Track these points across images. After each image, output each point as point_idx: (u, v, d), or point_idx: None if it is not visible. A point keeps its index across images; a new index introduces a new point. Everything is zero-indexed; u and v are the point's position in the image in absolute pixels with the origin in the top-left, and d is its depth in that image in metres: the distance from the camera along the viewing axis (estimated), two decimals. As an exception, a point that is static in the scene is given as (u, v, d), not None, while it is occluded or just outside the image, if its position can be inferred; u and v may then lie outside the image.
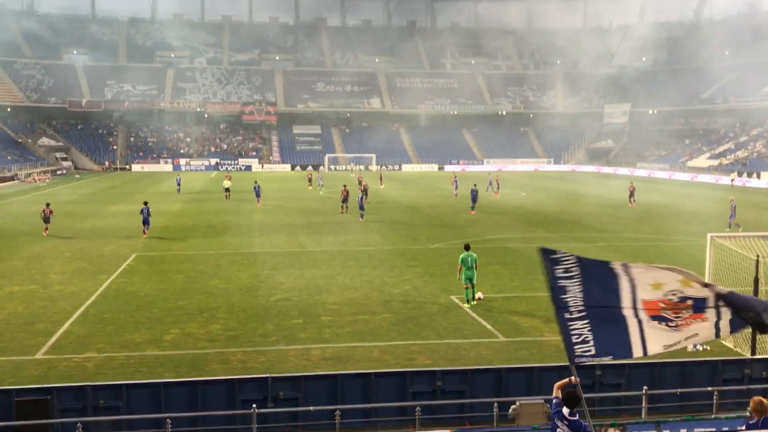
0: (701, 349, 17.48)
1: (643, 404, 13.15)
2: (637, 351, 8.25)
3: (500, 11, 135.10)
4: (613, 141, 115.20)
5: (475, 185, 49.36)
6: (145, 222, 36.47)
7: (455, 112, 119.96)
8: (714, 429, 11.69)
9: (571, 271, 8.27)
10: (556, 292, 8.27)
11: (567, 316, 8.23)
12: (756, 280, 16.68)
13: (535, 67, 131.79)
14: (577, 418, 8.59)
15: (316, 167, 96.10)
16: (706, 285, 8.18)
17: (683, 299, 8.15)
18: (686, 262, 28.61)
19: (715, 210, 48.25)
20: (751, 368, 15.24)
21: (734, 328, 8.25)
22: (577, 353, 8.23)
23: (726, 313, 8.10)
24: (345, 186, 47.87)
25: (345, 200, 45.91)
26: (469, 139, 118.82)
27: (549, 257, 8.34)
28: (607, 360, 8.46)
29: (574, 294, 8.27)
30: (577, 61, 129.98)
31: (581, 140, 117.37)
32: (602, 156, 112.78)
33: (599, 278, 8.28)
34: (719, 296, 8.06)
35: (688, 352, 17.28)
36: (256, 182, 54.62)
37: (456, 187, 58.65)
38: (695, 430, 11.64)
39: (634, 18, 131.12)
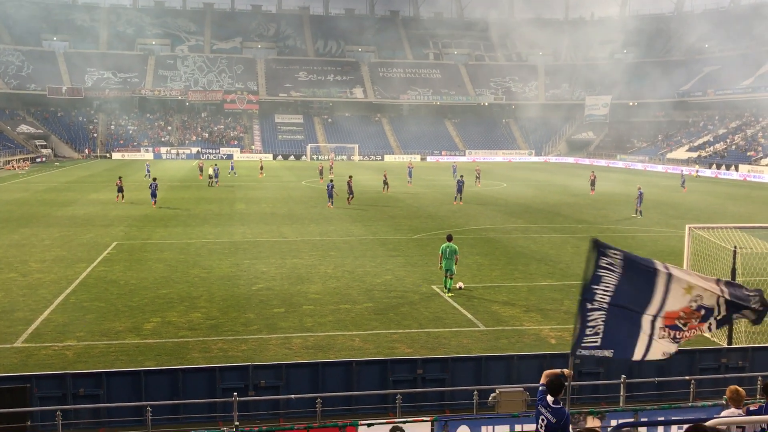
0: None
1: (622, 392, 13.30)
2: (637, 355, 8.81)
3: (483, 2, 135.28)
4: (594, 133, 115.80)
5: (461, 176, 50.35)
6: (153, 195, 42.72)
7: (438, 103, 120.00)
8: (691, 417, 11.84)
9: (614, 266, 8.65)
10: (591, 281, 8.65)
11: (589, 306, 8.65)
12: (733, 271, 16.88)
13: (518, 59, 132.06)
14: (561, 405, 8.68)
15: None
16: (718, 284, 8.76)
17: (699, 308, 8.74)
18: (665, 252, 28.92)
19: (691, 201, 48.84)
20: (728, 357, 15.45)
21: (719, 326, 8.96)
22: (583, 343, 8.72)
23: (717, 316, 8.76)
24: (350, 177, 47.62)
25: (350, 191, 45.45)
26: (451, 129, 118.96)
27: (599, 248, 8.72)
28: (607, 354, 8.88)
29: (605, 287, 8.66)
30: (559, 52, 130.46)
31: (562, 132, 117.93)
32: (583, 148, 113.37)
33: (638, 280, 8.68)
34: (725, 300, 8.68)
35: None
36: (215, 165, 62.12)
37: (410, 175, 61.69)
38: (672, 417, 11.79)
39: (616, 10, 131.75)
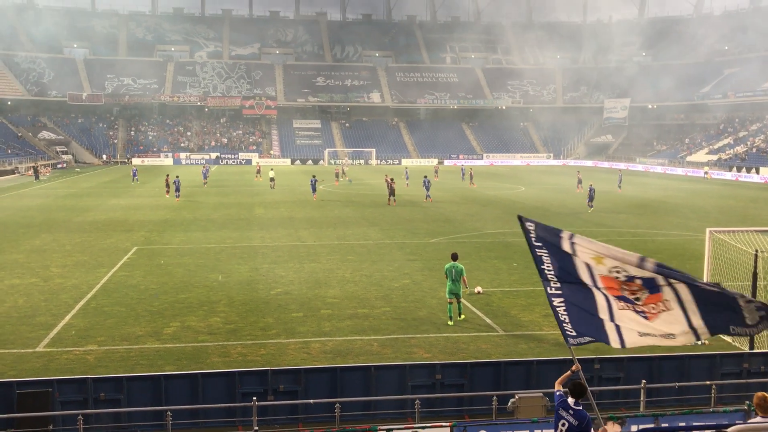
0: (701, 343, 17.54)
1: (642, 398, 13.20)
2: (613, 341, 7.81)
3: (500, 5, 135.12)
4: (613, 136, 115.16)
5: (425, 176, 53.45)
6: (177, 190, 48.58)
7: (455, 107, 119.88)
8: (712, 422, 11.74)
9: (539, 240, 8.15)
10: (536, 262, 8.16)
11: (549, 291, 8.06)
12: (755, 275, 16.72)
13: (535, 62, 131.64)
14: (581, 408, 8.64)
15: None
16: (641, 262, 7.53)
17: (629, 278, 7.54)
18: (685, 256, 28.69)
19: (711, 204, 48.41)
20: (750, 362, 15.29)
21: (714, 330, 7.56)
22: (566, 332, 8.02)
23: (694, 310, 7.38)
24: (391, 179, 48.86)
25: (392, 193, 46.68)
26: (468, 133, 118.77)
27: (522, 223, 8.33)
28: (586, 341, 8.04)
29: (549, 264, 8.06)
30: (577, 55, 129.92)
31: (581, 135, 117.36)
32: (602, 151, 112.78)
33: (557, 249, 7.97)
34: (665, 277, 7.41)
35: (686, 346, 17.34)
36: (204, 166, 70.19)
37: (407, 177, 63.97)
38: (693, 423, 11.68)
39: (634, 12, 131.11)
